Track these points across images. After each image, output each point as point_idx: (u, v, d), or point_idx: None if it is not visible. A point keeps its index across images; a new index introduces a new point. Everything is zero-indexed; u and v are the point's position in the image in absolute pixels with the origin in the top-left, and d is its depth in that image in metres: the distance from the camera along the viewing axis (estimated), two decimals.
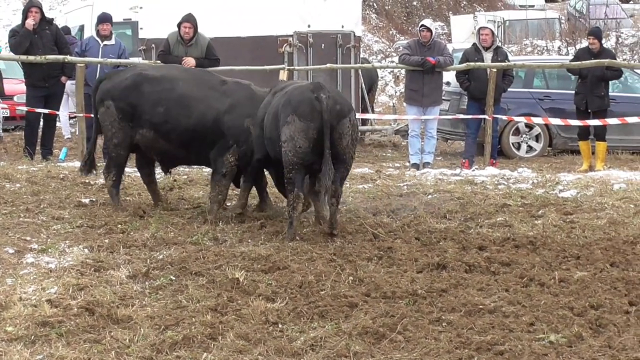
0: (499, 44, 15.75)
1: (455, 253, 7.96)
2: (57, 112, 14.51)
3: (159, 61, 13.15)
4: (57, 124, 15.65)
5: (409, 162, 14.45)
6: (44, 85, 14.03)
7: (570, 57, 16.66)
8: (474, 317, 6.33)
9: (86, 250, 8.05)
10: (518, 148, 16.19)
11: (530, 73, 16.60)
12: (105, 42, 14.20)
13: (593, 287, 6.94)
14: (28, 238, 8.46)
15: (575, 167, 14.34)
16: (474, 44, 14.72)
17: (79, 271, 7.33)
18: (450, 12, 39.57)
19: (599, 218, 9.45)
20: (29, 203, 9.96)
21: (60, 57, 13.82)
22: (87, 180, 11.16)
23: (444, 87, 15.12)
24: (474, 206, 10.06)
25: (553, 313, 6.36)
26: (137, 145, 9.77)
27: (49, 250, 8.03)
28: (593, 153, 14.27)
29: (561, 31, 33.75)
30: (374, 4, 39.22)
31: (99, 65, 13.84)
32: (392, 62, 28.77)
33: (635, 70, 16.91)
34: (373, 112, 18.94)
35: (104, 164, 10.00)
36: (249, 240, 8.52)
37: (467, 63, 14.34)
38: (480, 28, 15.10)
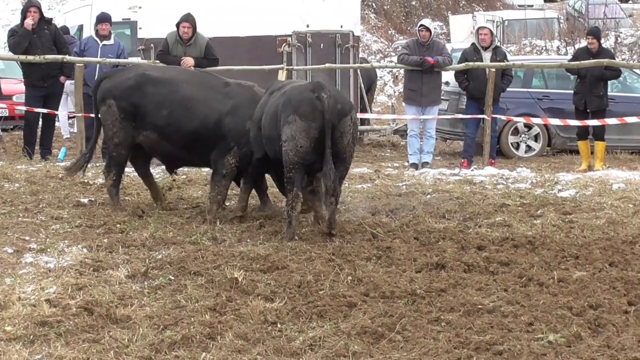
0: (498, 44, 15.72)
1: (454, 253, 7.96)
2: (56, 112, 14.49)
3: (157, 61, 13.15)
4: (56, 123, 15.65)
5: (407, 161, 14.43)
6: (43, 85, 14.01)
7: (569, 56, 16.66)
8: (473, 317, 6.33)
9: (85, 250, 8.04)
10: (517, 148, 16.17)
11: (529, 73, 16.57)
12: (104, 42, 14.19)
13: (592, 287, 6.94)
14: (27, 238, 8.46)
15: (574, 166, 14.32)
16: (473, 44, 14.72)
17: (78, 271, 7.33)
18: (449, 12, 39.53)
19: (597, 218, 9.44)
20: (27, 203, 9.96)
21: (59, 57, 13.81)
22: (86, 180, 11.16)
23: (443, 87, 15.11)
24: (472, 206, 10.05)
25: (552, 313, 6.36)
26: (136, 145, 9.76)
27: (48, 250, 8.03)
28: (592, 153, 14.27)
29: (560, 31, 33.73)
30: (373, 4, 39.18)
31: (97, 65, 13.84)
32: (391, 61, 28.71)
33: (634, 70, 16.89)
34: (371, 112, 18.91)
35: (104, 163, 10.00)
36: (248, 240, 8.52)
37: (466, 63, 14.33)
38: (479, 28, 15.09)
